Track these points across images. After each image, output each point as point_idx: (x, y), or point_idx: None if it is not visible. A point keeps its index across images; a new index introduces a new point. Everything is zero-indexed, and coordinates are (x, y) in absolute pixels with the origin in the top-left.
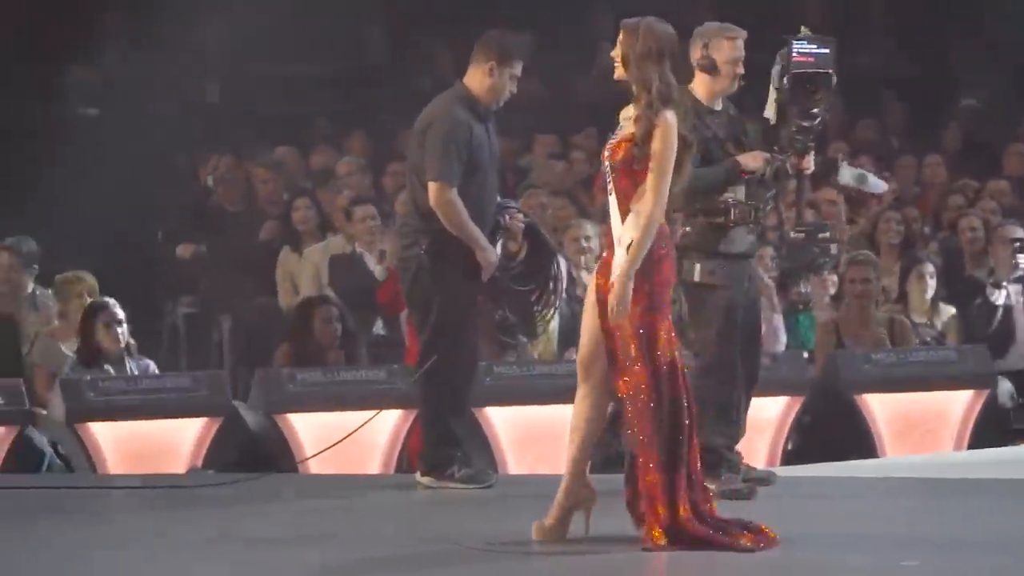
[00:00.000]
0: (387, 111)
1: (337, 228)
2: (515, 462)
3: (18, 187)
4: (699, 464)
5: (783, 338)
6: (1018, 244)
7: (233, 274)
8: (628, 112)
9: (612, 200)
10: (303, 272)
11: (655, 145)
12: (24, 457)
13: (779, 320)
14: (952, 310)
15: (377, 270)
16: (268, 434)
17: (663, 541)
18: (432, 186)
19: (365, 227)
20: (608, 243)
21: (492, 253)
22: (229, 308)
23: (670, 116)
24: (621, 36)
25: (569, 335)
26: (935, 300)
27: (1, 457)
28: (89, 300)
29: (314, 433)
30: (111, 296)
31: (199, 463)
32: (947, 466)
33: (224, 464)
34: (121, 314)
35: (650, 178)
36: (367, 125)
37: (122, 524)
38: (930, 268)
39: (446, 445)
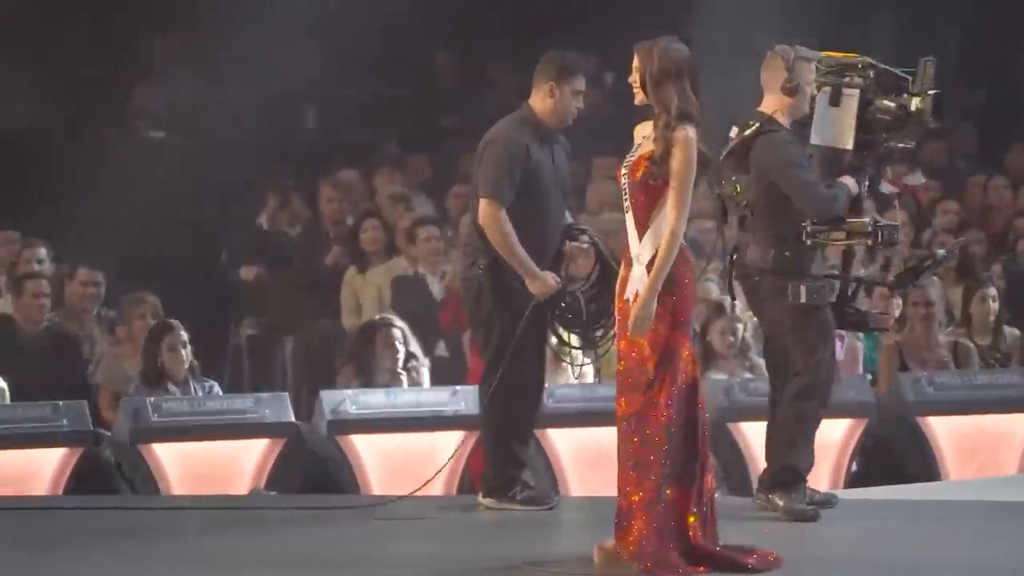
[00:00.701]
0: (452, 134)
1: (400, 249)
2: (578, 484)
3: (85, 210)
4: (712, 483)
5: (861, 360)
6: None
7: (297, 295)
8: (644, 130)
9: (629, 217)
10: (367, 293)
11: (675, 162)
12: (90, 478)
13: (859, 343)
14: (1017, 332)
15: (437, 291)
16: (331, 456)
17: (675, 562)
18: (482, 203)
19: (428, 248)
20: (625, 260)
21: (541, 280)
22: (292, 329)
23: (691, 132)
24: (636, 60)
25: None
26: (999, 322)
27: (66, 477)
28: (153, 321)
29: (377, 455)
30: (175, 317)
31: (262, 484)
32: (1010, 489)
33: (287, 486)
34: (185, 336)
35: (672, 195)
36: (431, 148)
37: (183, 545)
38: (992, 291)
39: (508, 467)
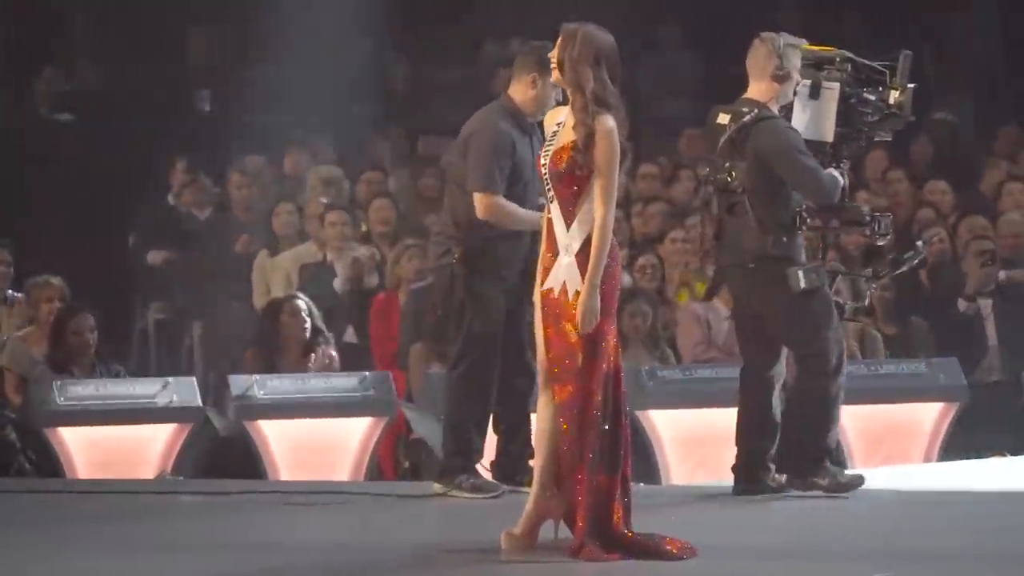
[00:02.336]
0: (363, 120)
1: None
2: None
3: None
4: (630, 472)
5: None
6: (989, 257)
7: (205, 280)
8: (556, 117)
9: (555, 207)
10: (275, 279)
11: (599, 153)
12: None
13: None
14: (924, 323)
15: (342, 277)
16: (238, 441)
17: (598, 549)
18: (477, 197)
19: (336, 233)
20: (548, 249)
21: None
22: (200, 314)
23: (609, 121)
24: (560, 39)
25: None
26: (905, 313)
27: None
28: (59, 305)
29: (285, 440)
30: (82, 301)
31: (168, 469)
32: (916, 478)
33: (193, 470)
34: (91, 320)
35: (599, 185)
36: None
37: (87, 529)
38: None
39: (460, 455)
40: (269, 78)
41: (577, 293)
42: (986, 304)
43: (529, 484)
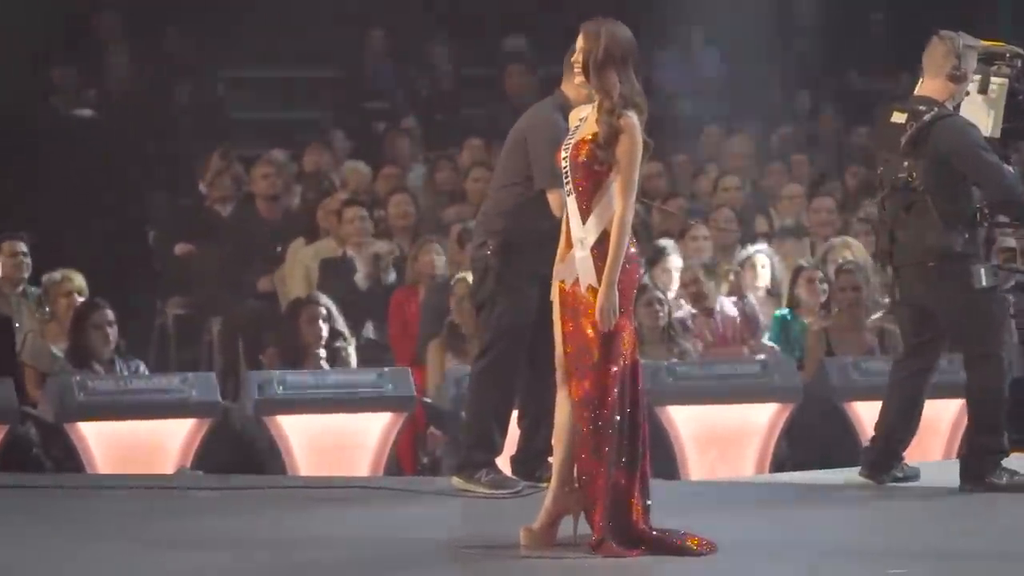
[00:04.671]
0: (385, 116)
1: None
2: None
3: (10, 185)
4: (649, 468)
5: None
6: (1007, 254)
7: (225, 275)
8: (580, 113)
9: (572, 201)
10: (293, 274)
11: (621, 148)
12: (13, 456)
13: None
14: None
15: (363, 272)
16: (257, 436)
17: (619, 545)
18: (551, 195)
19: (355, 228)
20: (566, 243)
21: None
22: (219, 309)
23: (633, 118)
24: (581, 40)
25: None
26: None
27: None
28: (78, 300)
29: (303, 435)
30: (101, 296)
31: (188, 464)
32: (934, 474)
33: (213, 465)
34: (111, 315)
35: (619, 183)
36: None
37: (107, 524)
38: None
39: (480, 449)
40: (288, 74)
41: (591, 288)
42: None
43: (548, 480)
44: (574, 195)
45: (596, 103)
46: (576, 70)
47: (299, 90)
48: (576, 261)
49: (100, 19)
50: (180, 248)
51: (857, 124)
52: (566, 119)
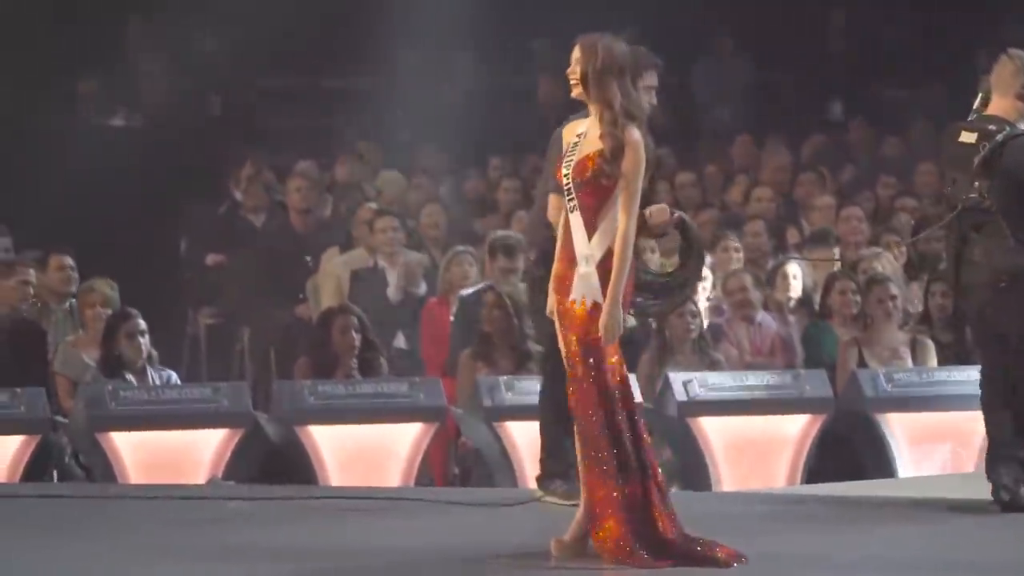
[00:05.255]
0: (403, 125)
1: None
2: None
3: (42, 196)
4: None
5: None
6: None
7: (257, 284)
8: (577, 128)
9: (576, 217)
10: (325, 285)
11: (626, 163)
12: (46, 465)
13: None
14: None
15: (394, 283)
16: (289, 446)
17: (648, 556)
18: (553, 198)
19: (386, 239)
20: (563, 258)
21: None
22: (251, 319)
23: (636, 132)
24: (578, 54)
25: None
26: (958, 319)
27: (23, 465)
28: (107, 310)
29: (335, 445)
30: (132, 306)
31: (219, 474)
32: (967, 487)
33: (245, 475)
34: (143, 324)
35: (623, 197)
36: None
37: (139, 534)
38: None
39: (553, 459)
40: (322, 85)
41: (595, 304)
42: None
43: (558, 494)
44: (578, 212)
45: (596, 116)
46: (573, 83)
47: (331, 100)
48: (579, 278)
49: (130, 28)
50: (212, 258)
51: (889, 134)
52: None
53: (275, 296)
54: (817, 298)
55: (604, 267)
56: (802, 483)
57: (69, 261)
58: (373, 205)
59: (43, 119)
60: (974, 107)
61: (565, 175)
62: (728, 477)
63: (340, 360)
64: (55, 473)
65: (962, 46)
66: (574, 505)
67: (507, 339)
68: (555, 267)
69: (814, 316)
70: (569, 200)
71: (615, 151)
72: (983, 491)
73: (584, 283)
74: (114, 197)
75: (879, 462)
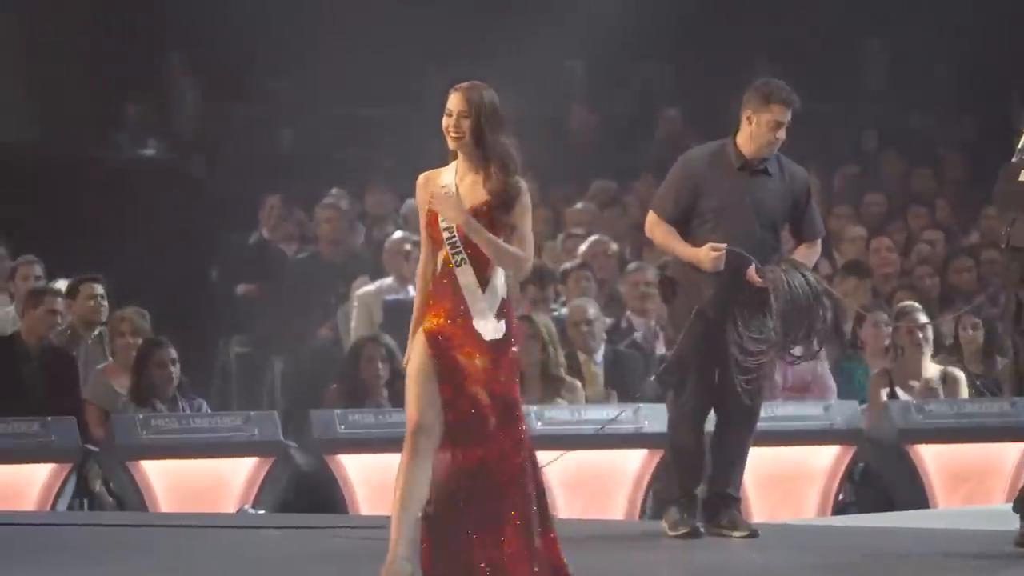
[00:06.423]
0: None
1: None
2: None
3: (77, 225)
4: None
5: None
6: None
7: (288, 314)
8: (442, 179)
9: (466, 271)
10: (356, 313)
11: (518, 212)
12: (77, 494)
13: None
14: (1008, 361)
15: None
16: (319, 475)
17: None
18: (649, 213)
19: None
20: (439, 313)
21: (703, 253)
22: (282, 348)
23: (522, 181)
24: (459, 103)
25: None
26: (989, 350)
27: (54, 494)
28: (138, 339)
29: (366, 475)
30: (163, 335)
31: (250, 503)
32: (998, 519)
33: (275, 504)
34: (174, 353)
35: (519, 238)
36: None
37: (169, 563)
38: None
39: (670, 487)
40: (347, 114)
41: (482, 355)
42: None
43: (728, 527)
44: (469, 264)
45: (473, 166)
46: (453, 135)
47: (362, 128)
48: (486, 330)
49: (168, 59)
50: (243, 288)
51: (920, 165)
52: (715, 160)
53: (306, 325)
54: (848, 329)
55: (500, 314)
56: (832, 515)
57: (100, 289)
58: (402, 234)
59: (76, 149)
60: (1018, 147)
61: (447, 228)
62: (758, 508)
63: (370, 389)
64: (86, 502)
65: (997, 81)
66: (674, 536)
67: (540, 368)
68: (430, 322)
69: (846, 349)
70: (456, 254)
71: (509, 201)
72: (1011, 523)
73: (493, 332)
74: (146, 226)
75: (910, 493)
